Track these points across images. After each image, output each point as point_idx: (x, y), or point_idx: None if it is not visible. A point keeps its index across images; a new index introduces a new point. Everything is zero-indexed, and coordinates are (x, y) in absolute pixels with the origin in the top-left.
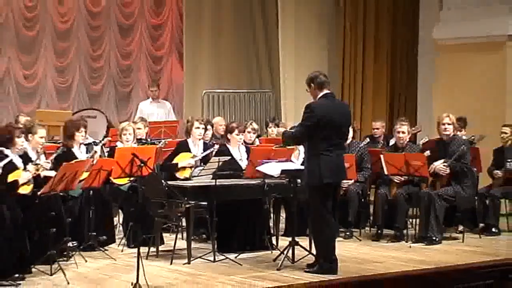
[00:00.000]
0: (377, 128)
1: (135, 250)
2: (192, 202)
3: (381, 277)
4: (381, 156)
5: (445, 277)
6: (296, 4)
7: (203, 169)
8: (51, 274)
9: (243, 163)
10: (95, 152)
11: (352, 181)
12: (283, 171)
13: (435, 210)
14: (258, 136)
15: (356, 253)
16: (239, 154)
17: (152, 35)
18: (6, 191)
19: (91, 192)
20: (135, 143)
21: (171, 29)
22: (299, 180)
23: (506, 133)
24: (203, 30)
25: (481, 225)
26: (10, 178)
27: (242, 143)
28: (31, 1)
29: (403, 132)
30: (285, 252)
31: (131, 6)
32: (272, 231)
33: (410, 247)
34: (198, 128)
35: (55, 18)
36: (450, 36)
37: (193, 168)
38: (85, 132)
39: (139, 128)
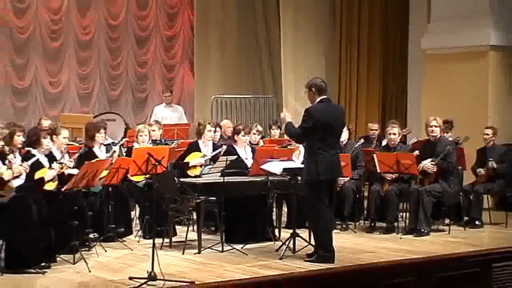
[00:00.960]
0: (375, 130)
1: (150, 241)
2: (202, 197)
3: (374, 266)
4: (374, 155)
5: (433, 266)
6: (296, 17)
7: (212, 167)
8: (74, 263)
9: (249, 162)
10: (114, 152)
11: (348, 178)
12: (284, 169)
13: (424, 205)
14: (262, 137)
15: (351, 244)
16: (245, 153)
17: (166, 46)
18: (33, 187)
19: (110, 188)
20: (150, 143)
21: (183, 41)
22: (299, 178)
23: (488, 134)
24: (212, 41)
25: (466, 218)
26: (37, 175)
27: (247, 144)
28: (56, 15)
29: (394, 134)
30: (286, 243)
31: (147, 20)
32: (274, 224)
33: (400, 238)
34: (210, 130)
35: (77, 31)
36: (437, 46)
37: (203, 167)
38: (105, 133)
39: (154, 130)
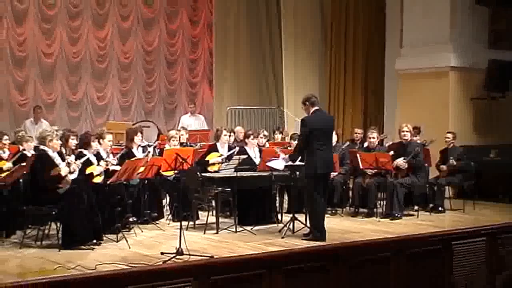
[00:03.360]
0: (359, 134)
1: (178, 223)
2: (220, 188)
3: (358, 243)
4: (358, 155)
5: (405, 244)
6: (295, 43)
7: (227, 164)
8: (117, 241)
9: (257, 160)
10: (149, 152)
11: (337, 173)
12: (286, 166)
13: (397, 194)
14: (268, 140)
15: (339, 225)
16: (254, 153)
17: (190, 67)
18: (84, 181)
19: (146, 181)
20: (178, 145)
21: (203, 63)
22: (297, 173)
23: (449, 138)
24: (227, 63)
25: (431, 205)
26: (87, 171)
27: (256, 146)
28: (102, 42)
29: (373, 137)
30: (287, 225)
31: (175, 47)
32: (277, 210)
33: (379, 221)
34: (226, 135)
35: (120, 55)
36: (408, 67)
37: (220, 164)
38: (142, 137)
39: (182, 135)
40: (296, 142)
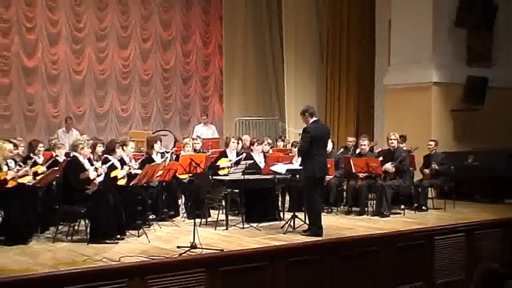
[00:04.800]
0: (351, 141)
1: (192, 220)
2: (229, 189)
3: (351, 238)
4: (351, 160)
5: (392, 238)
6: (296, 61)
7: (236, 168)
8: (138, 236)
9: (262, 165)
10: (167, 158)
11: (332, 176)
12: (287, 170)
13: (386, 195)
14: (271, 147)
15: (335, 222)
16: (259, 159)
17: (203, 83)
18: (110, 183)
19: (164, 183)
20: (192, 152)
21: (214, 80)
22: (297, 176)
23: (431, 145)
24: (235, 79)
25: (416, 204)
26: (112, 174)
27: (261, 152)
28: (126, 61)
29: (364, 145)
30: (288, 222)
31: (190, 65)
32: (280, 208)
33: (369, 219)
34: (234, 142)
35: (141, 72)
36: (395, 82)
37: (229, 168)
38: (160, 144)
39: (197, 143)
40: (296, 149)
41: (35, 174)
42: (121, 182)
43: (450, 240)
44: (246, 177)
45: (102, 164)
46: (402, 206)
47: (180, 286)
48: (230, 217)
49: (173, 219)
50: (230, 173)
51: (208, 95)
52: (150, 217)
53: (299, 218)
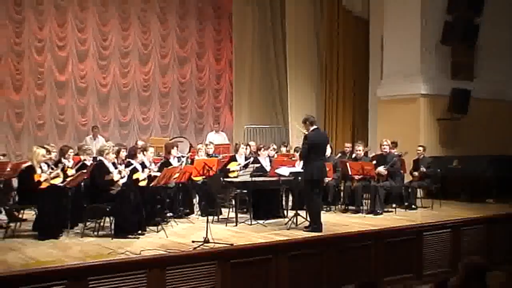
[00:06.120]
0: (348, 147)
1: (205, 218)
2: (238, 190)
3: (347, 234)
4: (347, 163)
5: (385, 234)
6: (296, 74)
7: (244, 171)
8: (157, 232)
9: (268, 168)
10: (183, 162)
11: (330, 178)
12: (291, 173)
13: (379, 195)
14: (276, 152)
15: (333, 220)
16: (265, 163)
17: (215, 95)
18: (132, 184)
19: (180, 184)
20: (206, 156)
21: (225, 92)
22: (300, 178)
23: (420, 150)
24: (244, 92)
25: (406, 203)
26: (134, 176)
27: (267, 156)
28: (146, 75)
29: (360, 150)
30: (292, 219)
31: (203, 79)
32: (284, 207)
33: (364, 216)
34: (243, 148)
35: (160, 85)
36: (387, 94)
37: (238, 171)
38: (177, 149)
39: (210, 148)
40: (298, 153)
41: (66, 176)
42: (142, 183)
43: (437, 236)
44: (254, 179)
45: (125, 167)
46: (394, 205)
47: (195, 276)
48: (239, 215)
49: (188, 216)
50: (239, 176)
51: (220, 105)
52: (168, 214)
53: (301, 216)
